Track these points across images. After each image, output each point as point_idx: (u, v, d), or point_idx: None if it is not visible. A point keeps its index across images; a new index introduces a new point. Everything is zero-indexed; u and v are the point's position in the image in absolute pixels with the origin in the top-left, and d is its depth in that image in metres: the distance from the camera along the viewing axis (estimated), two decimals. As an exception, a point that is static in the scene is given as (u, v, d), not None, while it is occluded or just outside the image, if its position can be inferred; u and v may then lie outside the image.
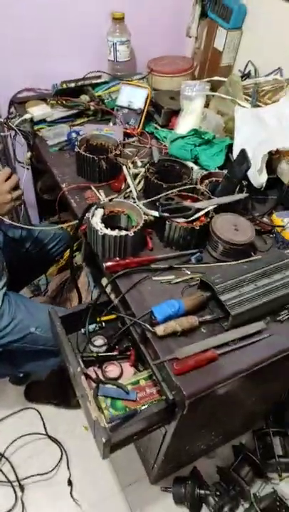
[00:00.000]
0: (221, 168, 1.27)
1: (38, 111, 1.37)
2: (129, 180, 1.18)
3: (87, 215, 0.98)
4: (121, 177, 1.21)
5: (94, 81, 1.52)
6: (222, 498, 1.32)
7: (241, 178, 1.06)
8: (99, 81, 1.53)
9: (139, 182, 1.21)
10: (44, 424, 1.49)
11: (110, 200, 1.04)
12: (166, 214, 1.00)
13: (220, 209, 1.05)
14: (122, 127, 1.39)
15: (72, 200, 1.16)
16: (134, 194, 1.14)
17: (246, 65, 1.51)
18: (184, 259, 1.02)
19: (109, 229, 0.97)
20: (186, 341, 0.85)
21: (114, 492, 1.39)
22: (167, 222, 0.99)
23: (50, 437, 1.46)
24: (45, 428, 1.48)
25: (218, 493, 1.33)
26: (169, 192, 1.07)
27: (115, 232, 0.95)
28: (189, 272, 0.98)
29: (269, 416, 1.53)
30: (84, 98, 1.46)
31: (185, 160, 1.30)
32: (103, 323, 1.17)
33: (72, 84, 1.48)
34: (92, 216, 0.99)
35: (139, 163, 1.30)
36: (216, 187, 1.14)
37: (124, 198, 1.16)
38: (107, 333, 1.15)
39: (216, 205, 1.03)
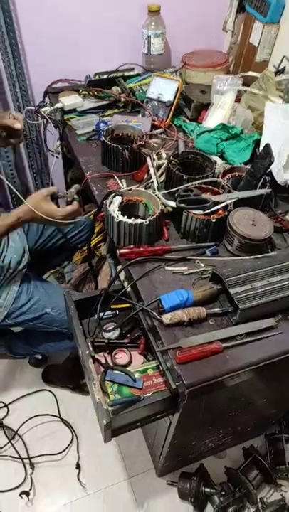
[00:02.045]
0: (246, 163, 1.25)
1: (68, 100, 1.40)
2: (151, 170, 1.19)
3: (105, 202, 1.00)
4: (144, 167, 1.22)
5: (126, 73, 1.54)
6: (227, 498, 1.30)
7: (263, 173, 1.04)
8: (131, 73, 1.54)
9: (162, 173, 1.21)
10: (58, 406, 1.53)
11: (129, 189, 1.05)
12: (183, 205, 0.99)
13: (240, 203, 1.03)
14: (150, 119, 1.40)
15: (94, 188, 1.18)
16: (155, 184, 1.14)
17: (281, 61, 1.47)
18: (199, 251, 1.01)
19: (125, 217, 0.98)
20: (193, 331, 0.85)
21: (121, 480, 1.41)
22: (184, 213, 0.99)
23: (62, 420, 1.50)
24: (58, 411, 1.52)
25: (223, 492, 1.32)
26: (189, 184, 1.07)
27: (131, 220, 0.96)
28: (203, 265, 0.98)
29: (283, 421, 1.49)
30: (115, 90, 1.48)
31: (210, 154, 1.29)
32: (117, 311, 1.19)
33: (105, 76, 1.50)
34: (110, 203, 1.01)
35: (164, 155, 1.30)
36: (238, 182, 1.13)
37: (146, 188, 1.16)
38: (121, 321, 1.16)
39: (235, 199, 1.02)
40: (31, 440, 1.47)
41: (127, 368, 1.06)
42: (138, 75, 1.55)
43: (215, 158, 1.28)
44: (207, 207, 0.99)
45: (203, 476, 1.36)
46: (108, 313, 1.17)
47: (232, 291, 0.84)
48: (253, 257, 0.95)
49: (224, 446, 1.47)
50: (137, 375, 1.03)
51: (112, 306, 1.18)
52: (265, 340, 0.84)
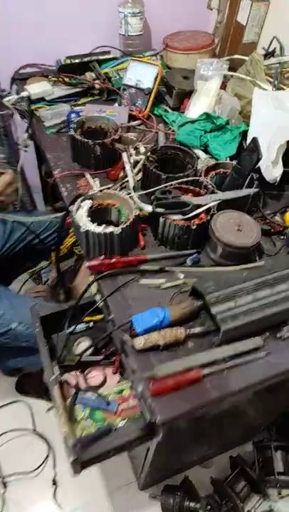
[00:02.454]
0: (232, 158, 1.14)
1: (36, 88, 1.26)
2: (127, 168, 1.07)
3: (71, 208, 0.88)
4: (119, 164, 1.10)
5: (101, 57, 1.40)
6: (213, 513, 1.24)
7: (251, 170, 0.93)
8: (107, 57, 1.41)
9: (140, 171, 1.09)
10: (33, 419, 1.44)
11: (100, 192, 0.93)
12: (160, 209, 0.89)
13: (225, 205, 0.93)
14: (128, 109, 1.27)
15: (63, 189, 1.06)
16: (131, 184, 1.02)
17: (271, 42, 1.34)
18: (178, 260, 0.91)
19: (94, 224, 0.87)
20: (170, 356, 0.75)
21: (101, 496, 1.34)
22: (161, 219, 0.88)
23: (38, 433, 1.41)
24: (33, 423, 1.43)
25: (208, 507, 1.25)
26: (168, 184, 0.96)
27: (99, 229, 0.85)
28: (182, 276, 0.87)
29: (272, 427, 1.43)
30: (89, 75, 1.35)
31: (193, 147, 1.18)
32: (91, 323, 1.09)
33: (77, 60, 1.37)
34: (78, 209, 0.90)
35: (142, 150, 1.18)
36: (223, 179, 1.02)
37: (121, 188, 1.05)
38: (95, 334, 1.06)
39: (218, 201, 0.91)
40: (4, 456, 1.38)
41: (102, 388, 0.97)
42: (114, 58, 1.41)
43: (198, 152, 1.17)
44: (187, 211, 0.88)
45: (188, 489, 1.29)
46: (81, 326, 1.07)
47: (214, 310, 0.75)
48: (238, 267, 0.85)
49: (210, 456, 1.40)
50: (111, 397, 0.93)
51: (86, 319, 1.08)
52: (250, 364, 0.75)
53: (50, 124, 1.25)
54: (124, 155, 1.10)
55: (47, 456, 1.37)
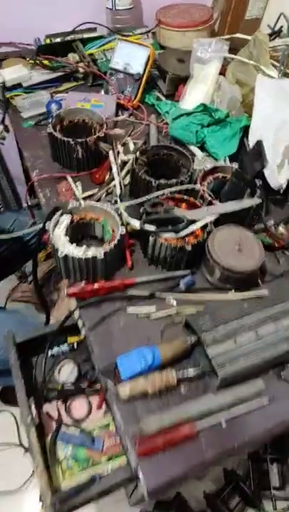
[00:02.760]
0: (233, 157, 1.01)
1: (10, 73, 1.11)
2: (114, 170, 0.94)
3: (47, 225, 0.76)
4: (105, 165, 0.98)
5: (86, 35, 1.24)
6: (207, 530, 1.19)
7: (254, 177, 0.81)
8: (92, 35, 1.25)
9: (128, 173, 0.97)
10: (18, 431, 1.36)
11: (81, 203, 0.81)
12: (149, 227, 0.77)
13: (223, 217, 0.81)
14: (115, 97, 1.13)
15: (41, 194, 0.94)
16: (118, 191, 0.90)
17: (277, 20, 1.18)
18: (170, 283, 0.80)
19: (74, 246, 0.75)
20: (159, 404, 0.66)
21: (90, 511, 1.28)
22: (151, 238, 0.76)
23: (23, 447, 1.34)
24: (19, 436, 1.36)
25: (202, 524, 1.20)
26: (159, 193, 0.84)
27: (80, 253, 0.73)
28: (175, 303, 0.77)
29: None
30: (72, 57, 1.19)
31: (189, 144, 1.05)
32: (75, 345, 0.99)
33: (58, 39, 1.21)
34: (56, 226, 0.78)
35: (132, 146, 1.05)
36: (221, 186, 0.90)
37: (107, 194, 0.93)
38: (80, 357, 0.97)
39: (216, 216, 0.80)
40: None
41: (86, 421, 0.88)
42: (101, 37, 1.25)
43: (194, 149, 1.04)
44: (179, 228, 0.77)
45: (180, 506, 1.23)
46: (64, 347, 0.97)
47: (210, 351, 0.65)
48: (238, 295, 0.75)
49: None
50: (96, 432, 0.85)
51: (70, 341, 0.98)
52: (252, 414, 0.65)
53: (28, 116, 1.11)
54: (111, 154, 0.97)
55: (34, 472, 1.31)
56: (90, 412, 0.86)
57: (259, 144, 0.80)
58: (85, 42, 1.22)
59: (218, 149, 1.01)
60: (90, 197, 0.94)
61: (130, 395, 0.64)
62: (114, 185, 0.93)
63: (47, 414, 0.89)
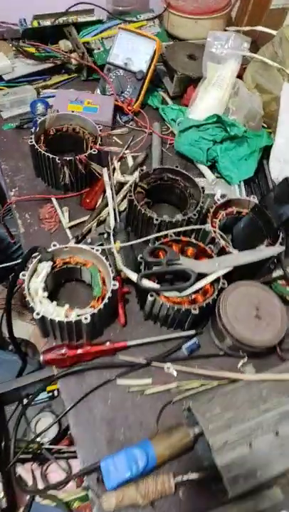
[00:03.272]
0: (248, 181, 0.86)
1: (-12, 64, 0.93)
2: (108, 194, 0.79)
3: (22, 274, 0.61)
4: (98, 187, 0.82)
5: (81, 18, 1.05)
6: None
7: (280, 225, 0.66)
8: (88, 19, 1.05)
9: (125, 197, 0.81)
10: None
11: (65, 247, 0.66)
12: (148, 284, 0.62)
13: (237, 270, 0.67)
14: (113, 100, 0.95)
15: (19, 221, 0.78)
16: (112, 222, 0.75)
17: (309, 13, 1.00)
18: (170, 344, 0.66)
19: (53, 304, 0.61)
20: (152, 514, 0.53)
21: None
22: (150, 297, 0.62)
23: None
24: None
25: None
26: (161, 234, 0.69)
27: (60, 315, 0.59)
28: (175, 373, 0.64)
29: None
30: (64, 45, 1.00)
31: (197, 162, 0.89)
32: (55, 392, 0.86)
33: (48, 22, 1.01)
34: (32, 274, 0.63)
35: (130, 162, 0.89)
36: (234, 222, 0.75)
37: (98, 223, 0.77)
38: (60, 407, 0.85)
39: (229, 269, 0.65)
40: None
41: (64, 490, 0.76)
42: (98, 22, 1.05)
43: (203, 168, 0.89)
44: (184, 287, 0.62)
45: None
46: (42, 395, 0.85)
47: (220, 460, 0.52)
48: (254, 377, 0.61)
49: None
50: (75, 504, 0.74)
51: (49, 388, 0.85)
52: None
53: (8, 116, 0.93)
54: (105, 173, 0.81)
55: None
56: (69, 477, 0.73)
57: (287, 180, 0.65)
58: (79, 27, 1.03)
59: (233, 172, 0.86)
60: (78, 225, 0.78)
61: (116, 507, 0.52)
62: (108, 213, 0.77)
63: (20, 478, 0.78)
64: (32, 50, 0.98)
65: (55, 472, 0.79)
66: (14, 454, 0.74)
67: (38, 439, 0.79)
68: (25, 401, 0.83)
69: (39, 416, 0.84)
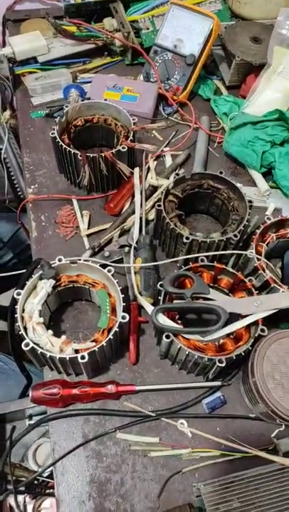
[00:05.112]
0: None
1: (22, 43, 0.83)
2: (136, 200, 0.67)
3: (17, 293, 0.51)
4: (125, 190, 0.70)
5: (131, -7, 0.92)
6: None
7: None
8: (139, -6, 0.92)
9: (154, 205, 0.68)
10: None
11: (73, 262, 0.55)
12: (163, 321, 0.50)
13: (283, 311, 0.52)
14: (157, 86, 0.82)
15: (33, 223, 0.69)
16: (135, 234, 0.63)
17: None
18: (189, 395, 0.54)
19: (48, 333, 0.50)
20: None
21: None
22: (165, 338, 0.49)
23: None
24: None
25: None
26: (191, 256, 0.55)
27: (53, 349, 0.49)
28: (190, 434, 0.51)
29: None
30: (108, 24, 0.88)
31: (249, 167, 0.74)
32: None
33: (93, -3, 0.90)
34: (30, 294, 0.53)
35: (169, 161, 0.76)
36: (285, 247, 0.60)
37: (121, 233, 0.66)
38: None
39: (273, 311, 0.51)
40: None
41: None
42: (150, -4, 0.92)
43: (255, 175, 0.74)
44: (212, 331, 0.49)
45: None
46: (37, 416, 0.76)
47: None
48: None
49: None
50: None
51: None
52: None
53: (38, 103, 0.84)
54: (136, 174, 0.69)
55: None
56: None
57: None
58: (128, 2, 0.90)
59: (292, 182, 0.70)
60: (98, 233, 0.67)
61: None
62: (134, 223, 0.65)
63: (10, 508, 0.70)
64: (73, 29, 0.88)
65: (50, 509, 0.70)
66: (6, 480, 0.66)
67: (34, 468, 0.71)
68: (27, 422, 0.75)
69: (40, 441, 0.75)
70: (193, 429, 0.50)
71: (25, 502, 0.70)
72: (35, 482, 0.71)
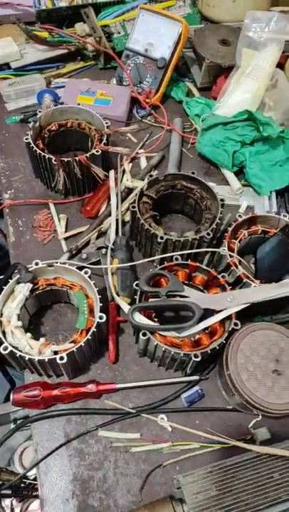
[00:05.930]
0: (283, 192, 0.72)
1: (-6, 50, 0.84)
2: (112, 202, 0.68)
3: (-8, 299, 0.52)
4: (101, 193, 0.71)
5: (101, -1, 0.93)
6: None
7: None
8: (110, -1, 0.93)
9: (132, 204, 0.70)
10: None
11: (50, 265, 0.56)
12: (139, 319, 0.51)
13: (255, 305, 0.54)
14: (130, 89, 0.84)
15: (11, 228, 0.69)
16: (112, 235, 0.64)
17: None
18: (168, 391, 0.55)
19: (27, 336, 0.51)
20: None
21: None
22: (142, 336, 0.51)
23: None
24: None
25: None
26: (165, 255, 0.57)
27: (32, 351, 0.49)
28: (170, 428, 0.52)
29: None
30: (80, 29, 0.89)
31: (222, 166, 0.76)
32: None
33: (64, 3, 0.91)
34: (7, 299, 0.53)
35: (143, 163, 0.78)
36: (258, 244, 0.62)
37: (99, 235, 0.67)
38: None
39: (246, 305, 0.53)
40: None
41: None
42: (121, 1, 0.93)
43: (228, 174, 0.76)
44: (186, 327, 0.51)
45: None
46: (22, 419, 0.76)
47: None
48: (267, 450, 0.48)
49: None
50: None
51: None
52: None
53: (13, 108, 0.84)
54: (111, 177, 0.70)
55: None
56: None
57: None
58: (99, 8, 0.91)
59: (263, 180, 0.72)
60: (76, 236, 0.68)
61: None
62: (110, 225, 0.66)
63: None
64: (45, 34, 0.88)
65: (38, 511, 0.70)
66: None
67: (21, 471, 0.71)
68: (12, 426, 0.76)
69: (26, 444, 0.76)
70: (173, 423, 0.52)
71: (12, 505, 0.70)
72: (22, 485, 0.71)
